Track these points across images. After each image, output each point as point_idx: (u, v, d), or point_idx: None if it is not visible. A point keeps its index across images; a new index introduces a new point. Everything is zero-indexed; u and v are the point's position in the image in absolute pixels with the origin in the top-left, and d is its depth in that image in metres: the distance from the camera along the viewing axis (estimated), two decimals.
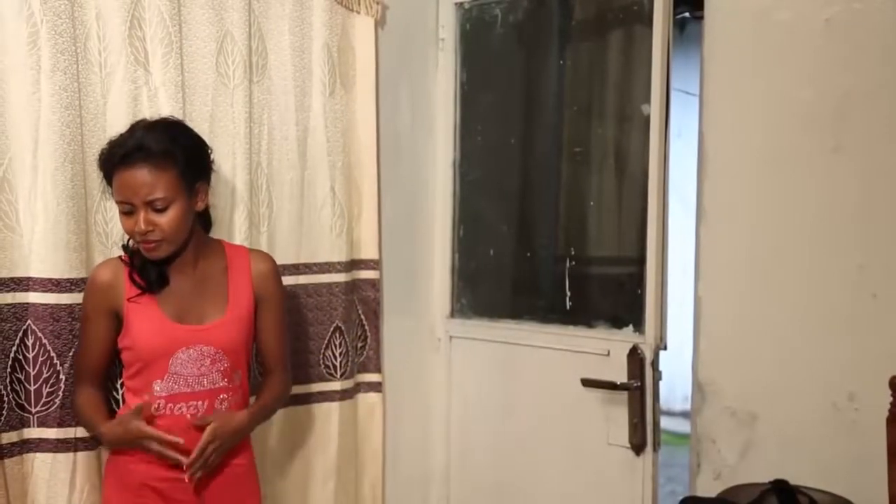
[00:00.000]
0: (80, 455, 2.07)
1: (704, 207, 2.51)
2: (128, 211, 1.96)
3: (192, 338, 2.03)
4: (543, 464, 2.84)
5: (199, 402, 2.04)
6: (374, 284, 2.81)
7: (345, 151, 2.69)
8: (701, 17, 2.55)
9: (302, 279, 2.63)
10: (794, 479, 2.24)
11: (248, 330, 2.14)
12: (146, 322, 2.01)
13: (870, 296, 2.28)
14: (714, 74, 2.49)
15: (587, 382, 2.64)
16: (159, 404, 2.01)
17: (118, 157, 1.95)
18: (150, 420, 1.98)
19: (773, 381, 2.41)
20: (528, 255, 3.10)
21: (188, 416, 2.02)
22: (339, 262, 2.68)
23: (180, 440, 1.96)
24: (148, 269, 2.02)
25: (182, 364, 2.02)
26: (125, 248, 2.05)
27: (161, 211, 1.95)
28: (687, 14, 2.95)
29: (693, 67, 2.58)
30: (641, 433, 2.56)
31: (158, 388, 2.01)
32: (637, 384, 2.55)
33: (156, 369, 2.01)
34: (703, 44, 2.51)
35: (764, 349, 2.43)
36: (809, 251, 2.36)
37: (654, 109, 2.57)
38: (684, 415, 3.36)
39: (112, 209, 2.14)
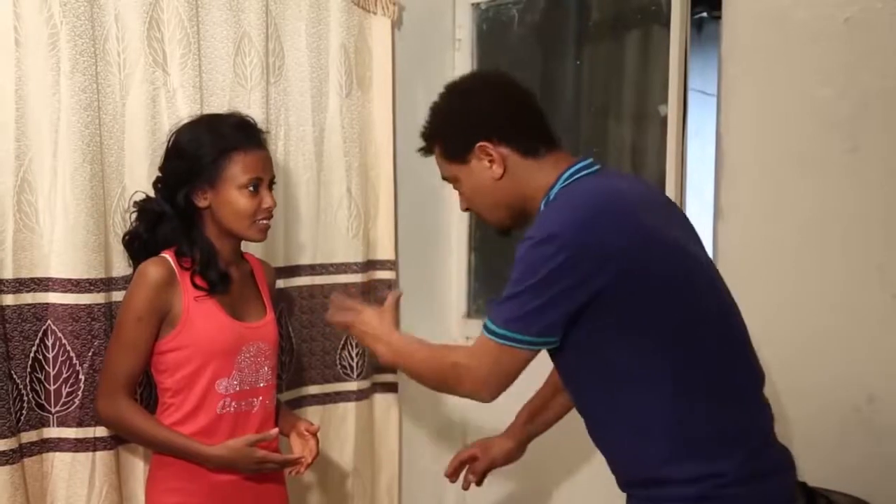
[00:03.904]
0: (99, 455, 2.08)
1: (722, 207, 2.50)
2: (254, 190, 2.02)
3: (252, 335, 2.08)
4: (560, 465, 2.84)
5: (257, 399, 2.09)
6: (391, 285, 2.81)
7: (361, 152, 2.70)
8: (719, 17, 2.54)
9: (318, 280, 2.64)
10: (814, 482, 2.22)
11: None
12: (212, 320, 2.02)
13: (890, 296, 2.27)
14: (732, 74, 2.48)
15: None
16: (225, 402, 2.04)
17: (248, 138, 2.05)
18: (215, 421, 2.03)
19: (792, 383, 2.40)
20: None
21: (254, 411, 2.09)
22: (355, 263, 2.69)
23: (302, 456, 2.11)
24: (210, 269, 2.03)
25: (245, 361, 2.06)
26: (178, 253, 2.03)
27: (271, 190, 2.09)
28: (704, 14, 2.94)
29: (711, 67, 2.56)
30: None
31: (224, 387, 2.04)
32: None
33: (222, 367, 2.03)
34: (721, 44, 2.50)
35: (782, 350, 2.41)
36: (828, 251, 2.35)
37: (672, 109, 2.57)
38: None
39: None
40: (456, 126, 1.82)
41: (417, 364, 1.85)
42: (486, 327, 1.67)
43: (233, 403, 2.05)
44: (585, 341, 1.66)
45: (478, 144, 1.76)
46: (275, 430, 2.08)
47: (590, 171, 1.74)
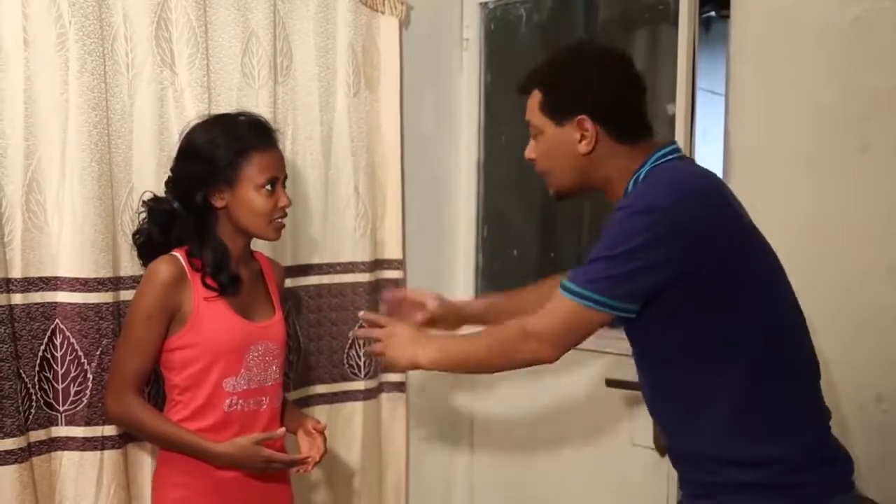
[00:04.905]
0: (107, 453, 2.08)
1: None
2: (271, 189, 2.03)
3: (261, 334, 2.10)
4: (567, 465, 2.84)
5: (265, 398, 2.11)
6: (398, 284, 2.81)
7: (369, 151, 2.70)
8: (727, 17, 2.53)
9: (325, 279, 2.65)
10: None
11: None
12: (222, 319, 2.03)
13: None
14: (740, 74, 2.48)
15: (611, 383, 2.63)
16: (232, 400, 2.05)
17: (263, 138, 2.06)
18: (223, 419, 2.04)
19: None
20: (552, 255, 3.09)
21: (261, 410, 2.10)
22: (362, 262, 2.69)
23: (309, 455, 2.10)
24: (222, 271, 2.04)
25: (253, 360, 2.08)
26: (190, 252, 2.04)
27: (284, 188, 2.09)
28: (713, 13, 2.94)
29: (719, 67, 2.56)
30: None
31: (231, 385, 2.05)
32: None
33: (230, 366, 2.04)
34: (729, 43, 2.49)
35: None
36: (836, 252, 2.34)
37: (680, 109, 2.56)
38: None
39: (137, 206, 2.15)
40: (567, 87, 1.79)
41: (475, 350, 1.84)
42: (564, 287, 1.68)
43: (240, 402, 2.06)
44: (670, 315, 1.68)
45: (579, 116, 1.75)
46: (281, 430, 2.09)
47: (678, 155, 1.78)
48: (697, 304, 1.66)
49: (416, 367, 1.92)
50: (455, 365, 1.94)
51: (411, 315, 2.22)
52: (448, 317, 2.24)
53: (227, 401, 2.04)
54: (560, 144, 1.78)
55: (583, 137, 1.75)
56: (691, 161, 1.84)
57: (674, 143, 1.82)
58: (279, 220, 2.08)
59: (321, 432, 2.17)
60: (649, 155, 1.76)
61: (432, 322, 2.22)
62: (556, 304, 1.71)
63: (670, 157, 1.76)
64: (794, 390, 1.72)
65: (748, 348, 1.68)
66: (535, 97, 1.81)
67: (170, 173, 2.09)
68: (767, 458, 1.66)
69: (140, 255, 2.10)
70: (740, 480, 1.68)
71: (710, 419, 1.69)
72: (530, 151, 1.85)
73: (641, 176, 1.74)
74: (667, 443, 1.87)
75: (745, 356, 1.67)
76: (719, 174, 2.51)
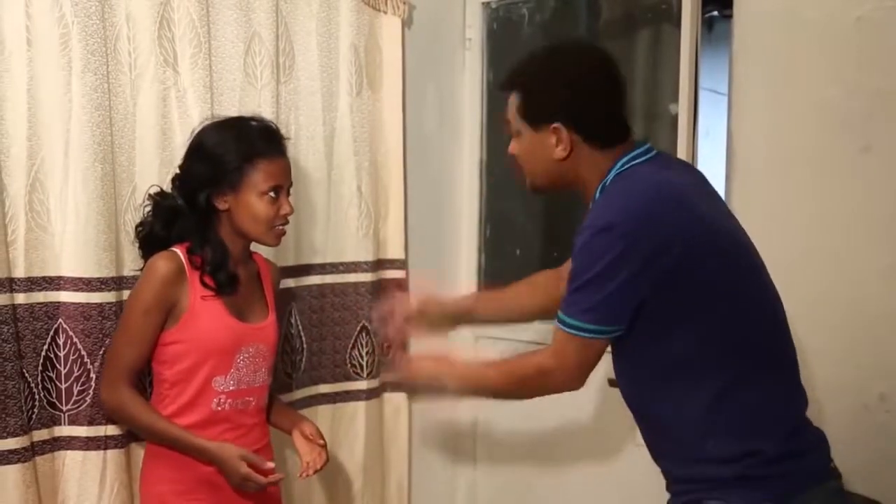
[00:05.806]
0: (110, 453, 2.09)
1: (732, 207, 2.47)
2: (274, 196, 2.04)
3: (253, 336, 2.10)
4: (570, 464, 2.84)
5: (252, 398, 2.11)
6: (401, 284, 2.81)
7: (371, 151, 2.70)
8: (729, 16, 2.53)
9: (328, 279, 2.65)
10: None
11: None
12: (216, 318, 2.04)
13: None
14: (743, 73, 2.48)
15: (614, 382, 2.62)
16: (220, 399, 2.05)
17: (272, 145, 2.07)
18: (210, 417, 2.04)
19: (803, 382, 2.39)
20: (555, 254, 3.09)
21: (249, 409, 2.11)
22: (365, 262, 2.69)
23: (281, 476, 2.07)
24: (221, 271, 2.05)
25: (243, 361, 2.08)
26: (190, 250, 2.05)
27: (288, 196, 2.10)
28: (715, 13, 2.94)
29: (721, 66, 2.56)
30: None
31: (220, 384, 2.05)
32: None
33: (220, 365, 2.04)
34: (732, 43, 2.49)
35: None
36: (839, 251, 2.34)
37: (682, 109, 2.56)
38: None
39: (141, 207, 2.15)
40: (541, 96, 1.80)
41: (494, 382, 1.90)
42: (560, 321, 1.73)
43: (228, 401, 2.06)
44: (644, 328, 1.70)
45: (553, 125, 1.77)
46: (271, 465, 2.05)
47: (645, 157, 1.78)
48: (669, 312, 1.68)
49: (443, 389, 1.97)
50: (483, 395, 2.02)
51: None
52: (432, 312, 2.24)
53: (215, 399, 2.05)
54: (537, 148, 1.81)
55: (559, 142, 1.77)
56: (661, 161, 1.83)
57: (644, 143, 1.81)
58: (280, 227, 2.09)
59: (323, 446, 2.17)
60: (618, 159, 1.77)
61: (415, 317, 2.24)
62: (559, 341, 1.75)
63: (637, 160, 1.77)
64: (772, 385, 1.74)
65: (725, 350, 1.69)
66: (514, 100, 1.84)
67: (177, 170, 2.09)
68: (743, 452, 1.68)
69: (141, 248, 2.11)
70: (718, 476, 1.69)
71: (688, 418, 1.72)
72: (513, 148, 1.87)
73: (608, 181, 1.76)
74: (648, 443, 1.88)
75: (723, 358, 1.69)
76: (722, 174, 2.52)
